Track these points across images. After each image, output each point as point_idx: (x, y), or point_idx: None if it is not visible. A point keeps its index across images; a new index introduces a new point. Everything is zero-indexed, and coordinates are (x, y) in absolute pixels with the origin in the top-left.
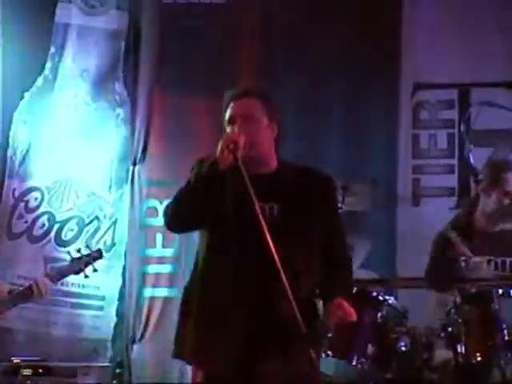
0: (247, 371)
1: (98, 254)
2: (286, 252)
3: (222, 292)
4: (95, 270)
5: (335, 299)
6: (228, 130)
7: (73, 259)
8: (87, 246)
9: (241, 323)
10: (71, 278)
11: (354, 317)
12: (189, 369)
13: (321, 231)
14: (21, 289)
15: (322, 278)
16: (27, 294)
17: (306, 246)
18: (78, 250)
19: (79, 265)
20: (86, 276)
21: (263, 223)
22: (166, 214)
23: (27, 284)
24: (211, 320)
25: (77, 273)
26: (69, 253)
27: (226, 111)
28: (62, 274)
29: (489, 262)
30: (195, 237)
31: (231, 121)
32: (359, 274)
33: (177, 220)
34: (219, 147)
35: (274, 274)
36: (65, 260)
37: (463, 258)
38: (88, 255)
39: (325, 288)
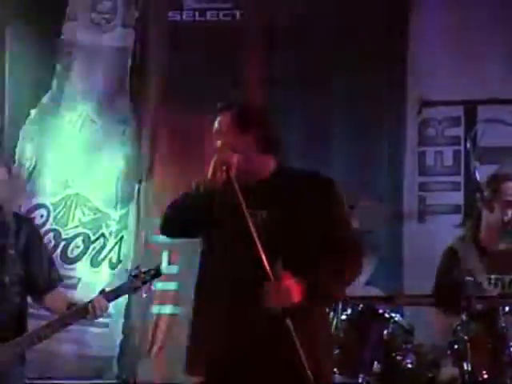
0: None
1: (156, 272)
2: (279, 257)
3: (216, 305)
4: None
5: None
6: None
7: (130, 277)
8: (137, 267)
9: (234, 336)
10: (76, 296)
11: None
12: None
13: (321, 232)
14: (77, 307)
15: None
16: (83, 313)
17: (303, 250)
18: (137, 267)
19: (137, 283)
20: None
21: (254, 234)
22: (162, 218)
23: (83, 302)
24: (206, 333)
25: (134, 291)
26: (127, 270)
27: None
28: (119, 292)
29: (496, 280)
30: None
31: (216, 136)
32: (365, 290)
33: (165, 226)
34: (211, 169)
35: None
36: (70, 277)
37: (469, 277)
38: (146, 272)
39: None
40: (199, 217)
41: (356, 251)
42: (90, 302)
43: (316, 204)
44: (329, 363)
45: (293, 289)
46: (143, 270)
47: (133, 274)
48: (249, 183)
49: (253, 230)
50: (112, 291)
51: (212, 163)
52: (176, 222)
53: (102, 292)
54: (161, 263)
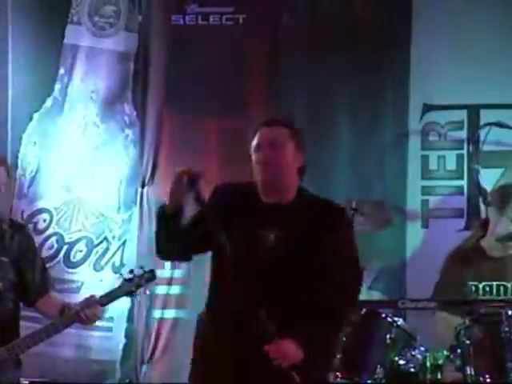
0: None
1: (151, 275)
2: (287, 281)
3: (224, 322)
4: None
5: (285, 339)
6: (254, 156)
7: (124, 280)
8: (141, 267)
9: (241, 355)
10: (79, 300)
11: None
12: None
13: (328, 260)
14: (70, 314)
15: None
16: (76, 319)
17: (310, 275)
18: (131, 271)
19: (130, 286)
20: (135, 297)
21: (264, 253)
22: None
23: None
24: (213, 353)
25: (128, 295)
26: (121, 274)
27: (254, 138)
28: (113, 296)
29: (498, 286)
30: (203, 259)
31: (257, 148)
32: (368, 295)
33: (163, 251)
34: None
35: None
36: (73, 281)
37: (472, 281)
38: (140, 276)
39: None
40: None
41: (355, 292)
42: (82, 308)
43: (327, 233)
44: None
45: (291, 349)
46: (137, 273)
47: (127, 277)
48: (274, 202)
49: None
50: (106, 296)
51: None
52: (172, 247)
53: (95, 297)
54: (155, 267)
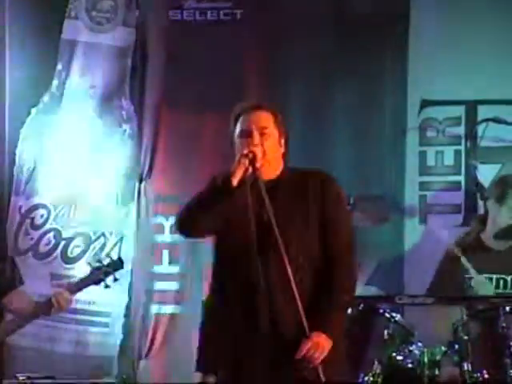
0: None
1: (119, 264)
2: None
3: (234, 304)
4: (116, 280)
5: (317, 335)
6: (241, 141)
7: (93, 269)
8: (108, 256)
9: (252, 338)
10: (76, 295)
11: (318, 360)
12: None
13: (324, 230)
14: (41, 302)
15: (318, 295)
16: (47, 308)
17: (310, 248)
18: (99, 260)
19: (99, 275)
20: (107, 286)
21: (278, 234)
22: (176, 218)
23: (47, 297)
24: (226, 334)
25: (97, 283)
26: (89, 263)
27: (236, 123)
28: (82, 284)
29: (498, 280)
30: (201, 254)
31: (247, 133)
32: (366, 290)
33: (188, 223)
34: (237, 159)
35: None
36: (70, 277)
37: (468, 275)
38: (108, 265)
39: (317, 315)
40: (223, 212)
41: (354, 263)
42: (52, 296)
43: (322, 201)
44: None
45: (325, 345)
46: (105, 262)
47: (95, 266)
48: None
49: (277, 233)
50: (75, 284)
51: (238, 154)
52: (203, 219)
53: (65, 285)
54: (153, 262)
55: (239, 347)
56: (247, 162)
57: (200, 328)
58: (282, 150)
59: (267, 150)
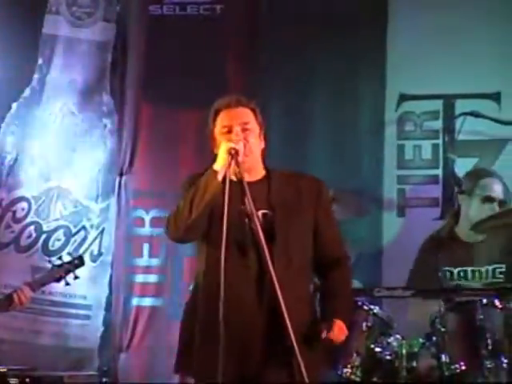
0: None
1: (80, 261)
2: (282, 256)
3: (224, 302)
4: (76, 278)
5: (336, 321)
6: (222, 137)
7: (53, 266)
8: (69, 254)
9: (242, 332)
10: (58, 288)
11: (342, 338)
12: (176, 377)
13: (315, 233)
14: (0, 298)
15: (323, 290)
16: (7, 304)
17: (301, 249)
18: (60, 258)
19: (59, 272)
20: (67, 283)
21: (260, 231)
22: (168, 224)
23: (7, 293)
24: (213, 332)
25: (57, 280)
26: (50, 261)
27: (216, 118)
28: (43, 282)
29: (473, 272)
30: (181, 247)
31: (229, 129)
32: None
33: (182, 230)
34: (220, 154)
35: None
36: None
37: (448, 268)
38: (69, 262)
39: (326, 309)
40: (205, 220)
41: (348, 258)
42: (13, 292)
43: (311, 206)
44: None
45: (344, 328)
46: (66, 259)
47: (56, 263)
48: (248, 181)
49: (259, 229)
50: (35, 281)
51: (221, 150)
52: (200, 223)
53: (26, 282)
54: (133, 255)
55: (218, 348)
56: (230, 158)
57: (180, 329)
58: (262, 144)
59: (251, 146)
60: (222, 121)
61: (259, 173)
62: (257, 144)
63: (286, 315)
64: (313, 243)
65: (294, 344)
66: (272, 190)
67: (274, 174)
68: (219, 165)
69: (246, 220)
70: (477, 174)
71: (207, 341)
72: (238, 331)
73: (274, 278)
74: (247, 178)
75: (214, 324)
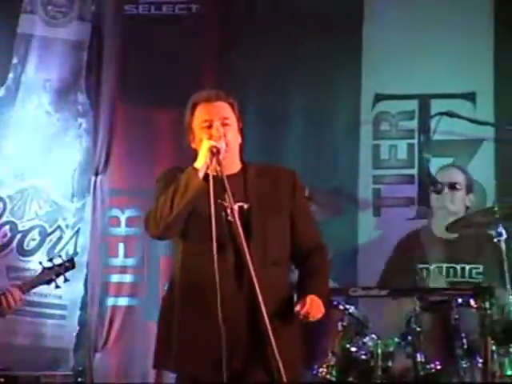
0: (229, 374)
1: (70, 264)
2: (260, 249)
3: (202, 296)
4: (66, 280)
5: (313, 296)
6: (201, 132)
7: (44, 269)
8: (60, 256)
9: (220, 325)
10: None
11: (318, 315)
12: (151, 377)
13: (292, 223)
14: None
15: (300, 273)
16: None
17: (278, 241)
18: (50, 260)
19: (50, 275)
20: (57, 286)
21: (239, 224)
22: (147, 222)
23: None
24: (193, 326)
25: (47, 283)
26: (40, 263)
27: (194, 112)
28: (32, 284)
29: (448, 269)
30: (157, 247)
31: (209, 123)
32: None
33: (162, 227)
34: (202, 153)
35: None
36: (27, 269)
37: (424, 265)
38: (60, 265)
39: (302, 287)
40: (185, 217)
41: (325, 246)
42: (2, 294)
43: (286, 196)
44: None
45: (321, 305)
46: (57, 262)
47: (46, 266)
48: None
49: (238, 223)
50: (26, 283)
51: (202, 146)
52: (179, 221)
53: (16, 284)
54: (109, 255)
55: (197, 344)
56: (211, 156)
57: (157, 325)
58: (239, 139)
59: (230, 141)
60: (201, 114)
61: (236, 166)
62: (235, 139)
63: (263, 309)
64: (290, 234)
65: (273, 343)
66: (248, 183)
67: (249, 168)
68: (200, 163)
69: (223, 214)
70: (445, 172)
71: (186, 336)
72: (218, 325)
73: (252, 272)
74: (226, 172)
75: (192, 318)
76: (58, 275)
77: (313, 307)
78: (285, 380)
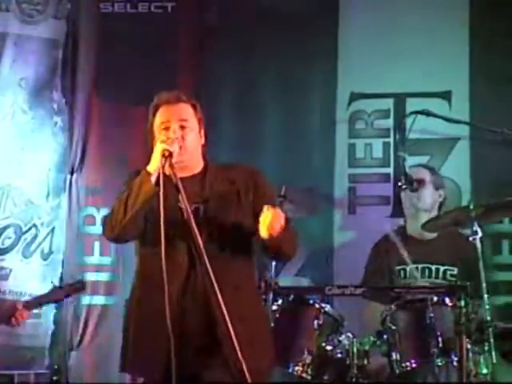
0: (183, 376)
1: (81, 286)
2: (216, 248)
3: (153, 297)
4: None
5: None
6: (160, 133)
7: (54, 288)
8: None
9: (175, 326)
10: (7, 285)
11: (281, 219)
12: (127, 376)
13: (256, 216)
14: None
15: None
16: (4, 322)
17: (237, 237)
18: (61, 278)
19: (59, 295)
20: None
21: (194, 227)
22: (104, 225)
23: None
24: (145, 328)
25: (55, 302)
26: (52, 282)
27: (155, 114)
28: (40, 302)
29: (423, 269)
30: (132, 246)
31: (166, 125)
32: (296, 281)
33: (117, 230)
34: (154, 156)
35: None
36: (1, 268)
37: (401, 266)
38: (70, 285)
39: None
40: (140, 220)
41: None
42: (12, 315)
43: (248, 192)
44: (267, 361)
45: (281, 215)
46: (69, 282)
47: (57, 285)
48: (184, 177)
49: (194, 225)
50: (34, 301)
51: (155, 149)
52: (133, 225)
53: (24, 302)
54: (84, 253)
55: (148, 346)
56: (163, 160)
57: (123, 328)
58: (202, 140)
59: (188, 144)
60: (160, 116)
61: (197, 168)
62: (195, 140)
63: (223, 306)
64: (256, 227)
65: (234, 340)
66: (206, 183)
67: (210, 168)
68: (153, 167)
69: (179, 215)
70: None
71: (139, 338)
72: (166, 325)
73: (210, 270)
74: (184, 173)
75: (144, 320)
76: (67, 296)
77: (273, 216)
78: (249, 380)
